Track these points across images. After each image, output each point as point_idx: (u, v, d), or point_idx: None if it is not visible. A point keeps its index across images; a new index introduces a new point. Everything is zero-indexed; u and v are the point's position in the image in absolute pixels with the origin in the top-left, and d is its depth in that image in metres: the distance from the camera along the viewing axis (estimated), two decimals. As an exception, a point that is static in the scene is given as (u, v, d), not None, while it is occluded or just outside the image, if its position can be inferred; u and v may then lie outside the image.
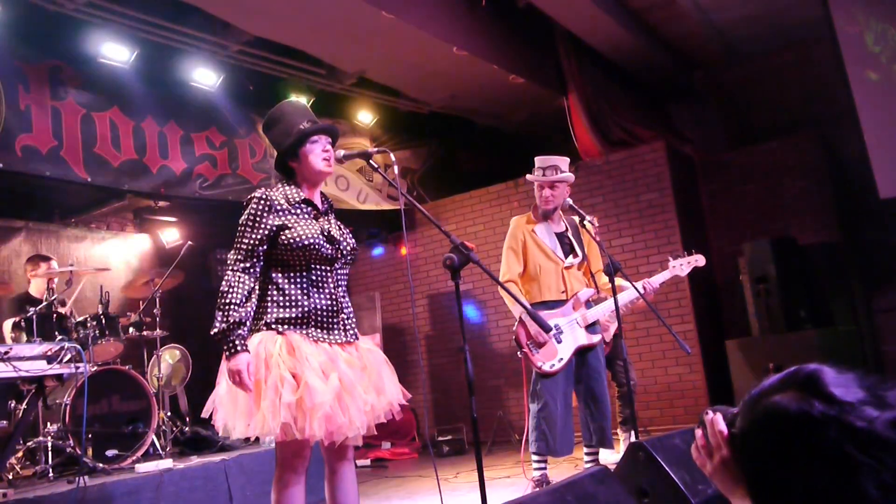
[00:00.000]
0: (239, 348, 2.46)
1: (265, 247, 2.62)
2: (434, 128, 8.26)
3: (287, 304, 2.62)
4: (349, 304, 2.78)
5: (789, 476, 1.05)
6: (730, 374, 6.05)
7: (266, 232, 2.60)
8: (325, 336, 2.64)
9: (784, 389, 1.10)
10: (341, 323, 2.70)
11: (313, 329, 2.62)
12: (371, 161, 2.86)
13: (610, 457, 4.83)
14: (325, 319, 2.66)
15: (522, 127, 8.39)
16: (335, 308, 2.69)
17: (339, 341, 2.67)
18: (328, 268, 2.70)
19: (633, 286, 4.30)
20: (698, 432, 1.30)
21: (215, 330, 2.49)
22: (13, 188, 6.10)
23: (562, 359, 4.20)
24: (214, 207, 6.85)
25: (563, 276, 4.33)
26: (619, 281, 4.75)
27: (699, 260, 4.49)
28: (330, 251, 2.67)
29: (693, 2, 6.78)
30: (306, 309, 2.62)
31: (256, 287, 2.61)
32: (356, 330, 2.78)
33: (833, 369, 1.09)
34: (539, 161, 4.46)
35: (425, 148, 8.44)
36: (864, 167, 6.03)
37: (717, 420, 1.24)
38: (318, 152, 2.73)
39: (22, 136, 5.07)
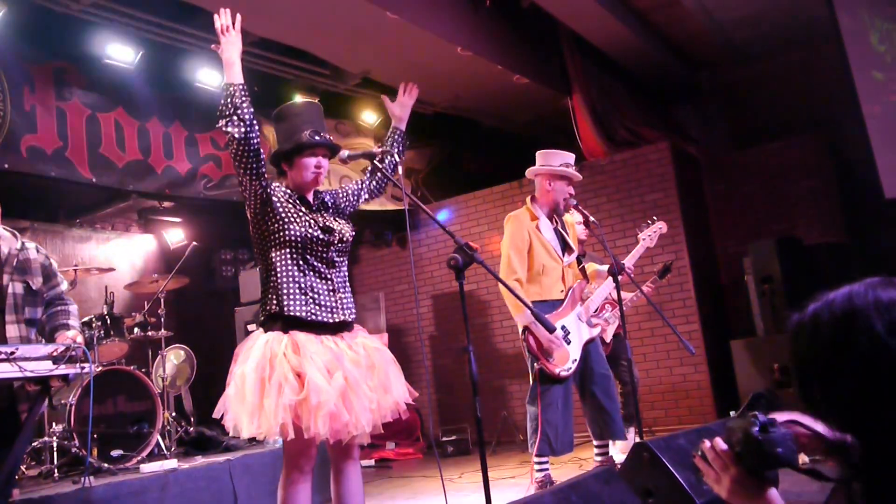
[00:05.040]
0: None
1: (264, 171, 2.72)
2: (438, 128, 8.25)
3: (288, 292, 2.67)
4: (348, 290, 2.85)
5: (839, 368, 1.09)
6: (734, 374, 6.02)
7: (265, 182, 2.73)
8: (324, 314, 2.69)
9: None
10: (338, 302, 2.76)
11: (313, 306, 2.67)
12: (375, 161, 2.88)
13: (622, 448, 4.75)
14: (322, 300, 2.72)
15: (527, 127, 8.38)
16: (332, 288, 2.76)
17: (337, 320, 2.72)
18: (324, 253, 2.77)
19: (638, 287, 4.31)
20: (701, 464, 1.30)
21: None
22: (18, 189, 6.09)
23: (575, 359, 4.17)
24: (219, 208, 6.87)
25: (564, 274, 4.31)
26: (593, 266, 4.78)
27: (662, 227, 4.76)
28: (324, 238, 2.76)
29: (698, 2, 6.76)
30: (305, 289, 2.69)
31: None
32: (353, 309, 2.84)
33: None
34: (560, 156, 4.36)
35: (429, 148, 8.43)
36: (869, 167, 6.00)
37: (718, 441, 1.26)
38: (310, 166, 2.81)
39: (27, 137, 5.08)
